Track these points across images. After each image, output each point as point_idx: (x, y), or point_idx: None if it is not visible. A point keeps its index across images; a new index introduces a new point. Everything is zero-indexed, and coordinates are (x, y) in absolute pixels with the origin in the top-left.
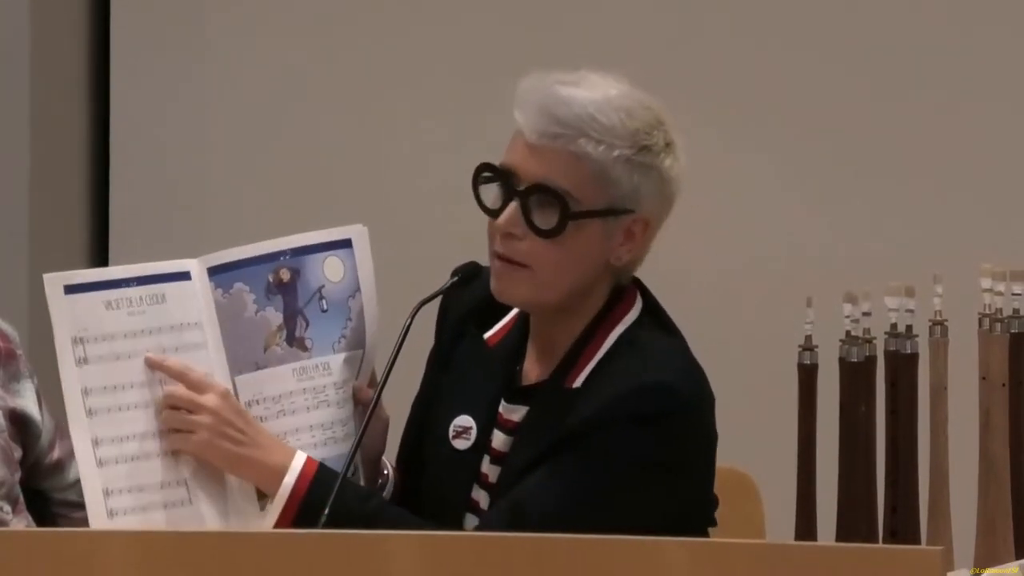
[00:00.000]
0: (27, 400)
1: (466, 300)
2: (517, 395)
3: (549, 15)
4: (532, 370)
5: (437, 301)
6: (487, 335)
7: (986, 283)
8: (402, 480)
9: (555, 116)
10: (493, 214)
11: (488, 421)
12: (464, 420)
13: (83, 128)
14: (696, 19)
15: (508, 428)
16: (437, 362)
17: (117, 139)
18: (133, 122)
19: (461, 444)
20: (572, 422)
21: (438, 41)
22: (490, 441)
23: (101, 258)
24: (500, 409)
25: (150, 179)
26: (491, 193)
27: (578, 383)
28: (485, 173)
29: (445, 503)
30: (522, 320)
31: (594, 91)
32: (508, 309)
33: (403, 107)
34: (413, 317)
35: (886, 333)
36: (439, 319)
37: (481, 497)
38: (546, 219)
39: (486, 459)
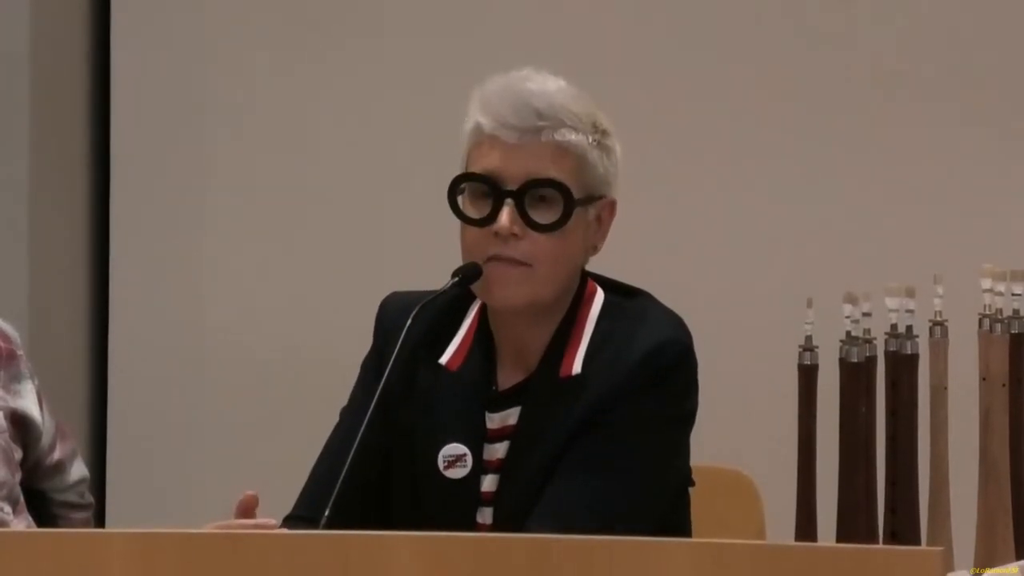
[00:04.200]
0: (28, 401)
1: (412, 333)
2: (502, 401)
3: (553, 18)
4: (510, 376)
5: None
6: (443, 360)
7: (986, 283)
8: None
9: (535, 109)
10: (482, 222)
11: (479, 439)
12: (455, 448)
13: (83, 128)
14: (696, 19)
15: (503, 435)
16: (390, 398)
17: (117, 139)
18: (133, 122)
19: (457, 472)
20: (591, 402)
21: (439, 43)
22: (484, 458)
23: (101, 258)
24: (487, 424)
25: (150, 179)
26: (475, 202)
27: (576, 369)
28: (463, 184)
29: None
30: (480, 335)
31: (550, 83)
32: (454, 333)
33: (403, 108)
34: (413, 320)
35: (886, 333)
36: (377, 357)
37: (486, 515)
38: (545, 214)
39: (484, 478)
